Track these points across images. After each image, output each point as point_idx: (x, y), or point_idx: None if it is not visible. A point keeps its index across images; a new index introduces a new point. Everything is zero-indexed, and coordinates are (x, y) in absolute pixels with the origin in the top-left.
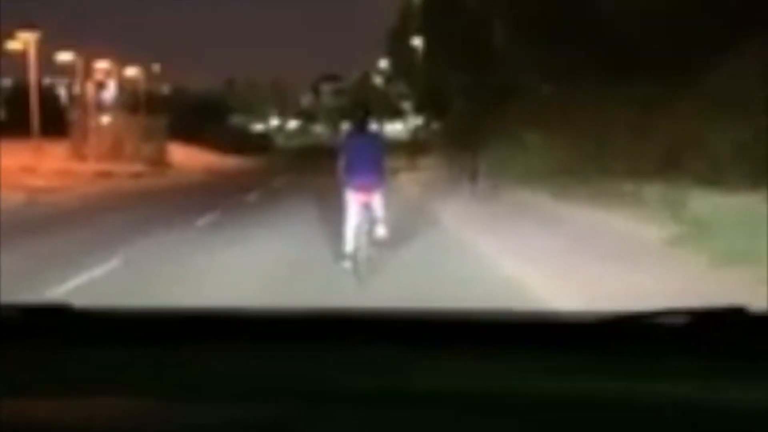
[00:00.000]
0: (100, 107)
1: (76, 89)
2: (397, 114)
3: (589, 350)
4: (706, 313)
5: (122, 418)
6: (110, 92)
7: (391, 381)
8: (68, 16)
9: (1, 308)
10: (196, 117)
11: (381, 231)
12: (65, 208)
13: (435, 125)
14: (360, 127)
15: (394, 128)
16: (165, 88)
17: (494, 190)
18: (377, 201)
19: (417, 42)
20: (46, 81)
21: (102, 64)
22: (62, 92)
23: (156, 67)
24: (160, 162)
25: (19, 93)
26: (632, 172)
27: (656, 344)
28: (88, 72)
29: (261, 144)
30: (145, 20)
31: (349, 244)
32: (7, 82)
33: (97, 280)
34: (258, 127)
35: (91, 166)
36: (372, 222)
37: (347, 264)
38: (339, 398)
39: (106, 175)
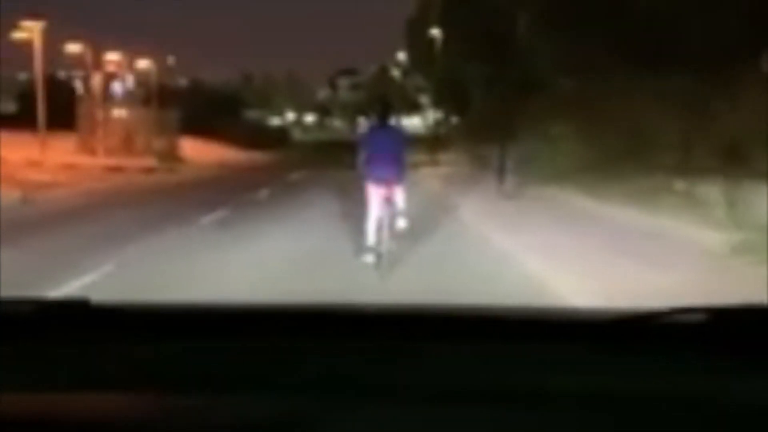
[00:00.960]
0: (111, 100)
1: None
2: (414, 108)
3: (607, 347)
4: (724, 310)
5: (139, 411)
6: (120, 85)
7: (403, 375)
8: (85, 9)
9: (19, 303)
10: (212, 111)
11: (401, 223)
12: (63, 207)
13: (453, 119)
14: (381, 121)
15: (411, 122)
16: (181, 82)
17: (522, 187)
18: (398, 195)
19: (436, 33)
20: (62, 74)
21: (113, 56)
22: (79, 86)
23: (171, 60)
24: (171, 156)
25: (34, 86)
26: (681, 169)
27: (674, 341)
28: (98, 64)
29: (277, 138)
30: (163, 14)
31: (371, 238)
32: (24, 76)
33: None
34: (274, 121)
35: (99, 161)
36: (392, 215)
37: (369, 257)
38: (352, 392)
39: (114, 169)
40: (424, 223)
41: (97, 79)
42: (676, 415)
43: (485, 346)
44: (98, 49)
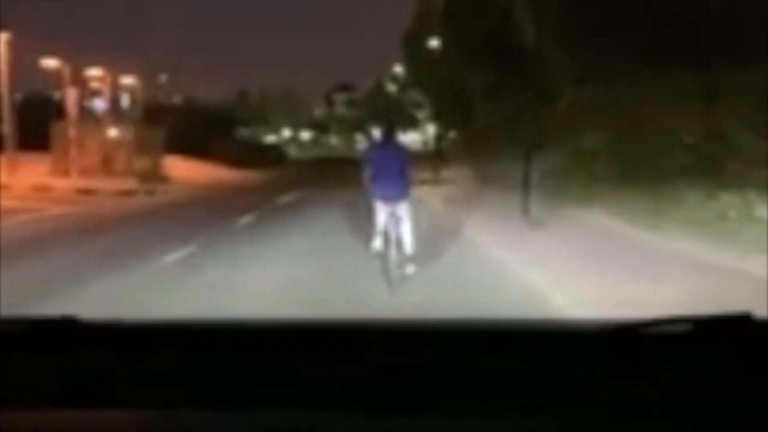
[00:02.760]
0: (89, 117)
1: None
2: (411, 123)
3: (596, 357)
4: (713, 320)
5: (129, 428)
6: (102, 102)
7: (402, 388)
8: (82, 27)
9: (9, 321)
10: (205, 129)
11: (410, 269)
12: (7, 237)
13: (453, 134)
14: (385, 138)
15: (408, 138)
16: (175, 100)
17: (550, 210)
18: (404, 212)
19: (436, 44)
20: (57, 95)
21: (95, 72)
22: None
23: (163, 78)
24: (154, 177)
25: (29, 107)
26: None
27: (662, 351)
28: (79, 80)
29: (272, 156)
30: (159, 32)
31: (380, 228)
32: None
33: None
34: (269, 138)
35: (73, 183)
36: (401, 252)
37: (376, 244)
38: (355, 407)
39: (88, 192)
40: (442, 272)
41: (71, 95)
42: (667, 424)
43: (477, 359)
44: (78, 65)
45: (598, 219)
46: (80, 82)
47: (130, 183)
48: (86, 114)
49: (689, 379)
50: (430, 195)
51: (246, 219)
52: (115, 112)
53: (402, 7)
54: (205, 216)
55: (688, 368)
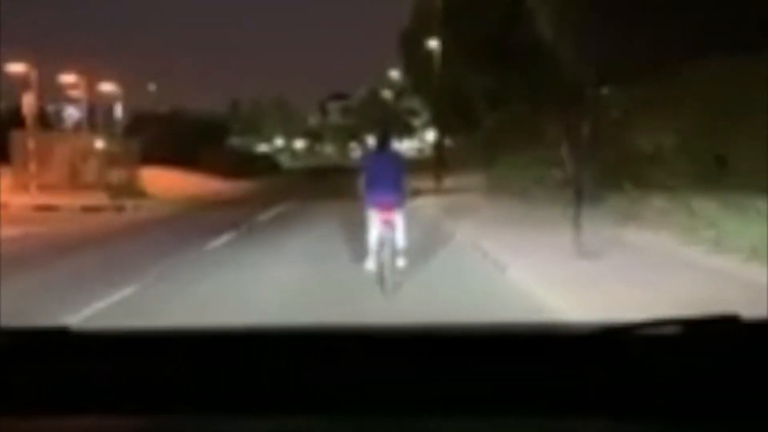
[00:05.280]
0: (56, 127)
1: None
2: (407, 130)
3: (586, 360)
4: (701, 321)
5: None
6: (74, 110)
7: (400, 392)
8: (71, 38)
9: (1, 333)
10: (195, 139)
11: (401, 262)
12: None
13: (450, 140)
14: (381, 146)
15: (403, 146)
16: (163, 109)
17: (607, 230)
18: (398, 219)
19: (435, 44)
20: (50, 107)
21: (67, 78)
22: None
23: (152, 87)
24: (129, 191)
25: (17, 116)
26: None
27: (650, 354)
28: (51, 87)
29: (265, 166)
30: (152, 41)
31: (372, 246)
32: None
33: None
34: (262, 147)
35: (33, 199)
36: (393, 249)
37: (370, 263)
38: (354, 411)
39: (48, 209)
40: None
41: (28, 101)
42: (655, 424)
43: (477, 362)
44: (50, 71)
45: (677, 247)
46: (53, 88)
47: (99, 198)
48: (55, 123)
49: (679, 380)
50: (432, 207)
51: (219, 241)
52: (91, 121)
53: (396, 9)
54: (168, 239)
55: (678, 369)
